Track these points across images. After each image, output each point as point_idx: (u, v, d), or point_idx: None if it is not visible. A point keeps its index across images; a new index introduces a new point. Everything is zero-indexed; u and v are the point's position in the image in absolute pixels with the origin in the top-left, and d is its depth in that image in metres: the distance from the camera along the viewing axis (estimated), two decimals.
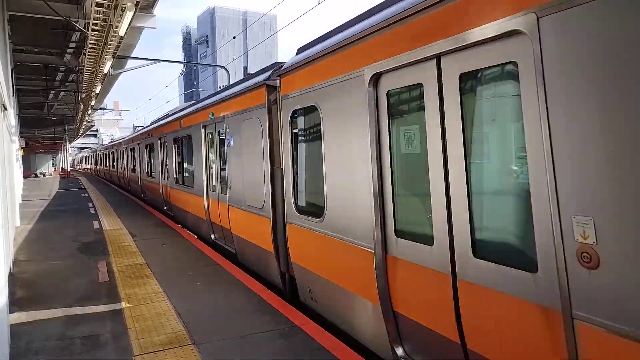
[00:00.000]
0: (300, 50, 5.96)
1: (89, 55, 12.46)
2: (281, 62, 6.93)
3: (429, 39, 3.35)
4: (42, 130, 48.13)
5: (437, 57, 3.35)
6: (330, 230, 4.88)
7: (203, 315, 5.47)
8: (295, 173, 5.84)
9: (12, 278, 7.41)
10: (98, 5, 8.75)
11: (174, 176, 13.04)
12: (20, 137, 27.02)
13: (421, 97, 3.55)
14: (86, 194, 23.95)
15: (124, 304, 5.93)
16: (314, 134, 5.33)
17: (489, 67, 2.99)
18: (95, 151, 46.21)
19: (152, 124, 19.39)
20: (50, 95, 27.55)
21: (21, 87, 23.33)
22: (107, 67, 13.64)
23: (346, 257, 4.57)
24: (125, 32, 10.07)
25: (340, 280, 4.78)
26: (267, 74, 6.90)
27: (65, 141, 54.35)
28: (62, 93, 26.82)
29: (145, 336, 4.87)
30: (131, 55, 18.07)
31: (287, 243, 6.07)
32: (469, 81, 3.18)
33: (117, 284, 6.89)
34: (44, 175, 57.04)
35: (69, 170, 58.26)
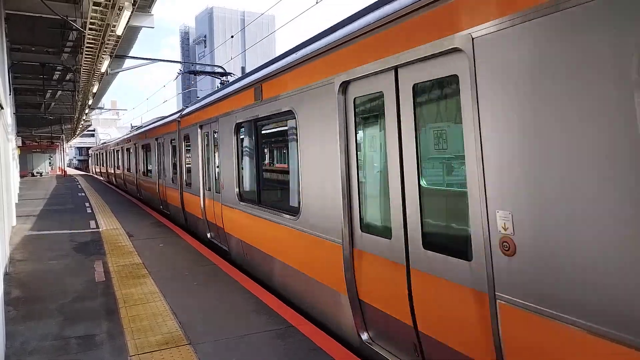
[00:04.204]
0: None
1: (86, 54, 12.43)
2: None
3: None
4: (39, 130, 47.98)
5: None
6: None
7: (199, 315, 5.46)
8: None
9: (8, 278, 7.39)
10: (95, 4, 8.73)
11: (237, 189, 7.88)
12: (17, 136, 26.94)
13: None
14: (83, 194, 23.89)
15: (120, 304, 5.92)
16: None
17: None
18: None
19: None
20: (48, 95, 27.47)
21: (18, 86, 23.26)
22: (104, 67, 13.61)
23: None
24: (123, 32, 10.06)
25: None
26: None
27: (63, 140, 54.20)
28: (59, 92, 26.73)
29: (141, 336, 4.86)
30: (129, 55, 18.04)
31: None
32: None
33: (113, 284, 6.87)
34: (41, 175, 56.13)
35: (66, 170, 58.20)
